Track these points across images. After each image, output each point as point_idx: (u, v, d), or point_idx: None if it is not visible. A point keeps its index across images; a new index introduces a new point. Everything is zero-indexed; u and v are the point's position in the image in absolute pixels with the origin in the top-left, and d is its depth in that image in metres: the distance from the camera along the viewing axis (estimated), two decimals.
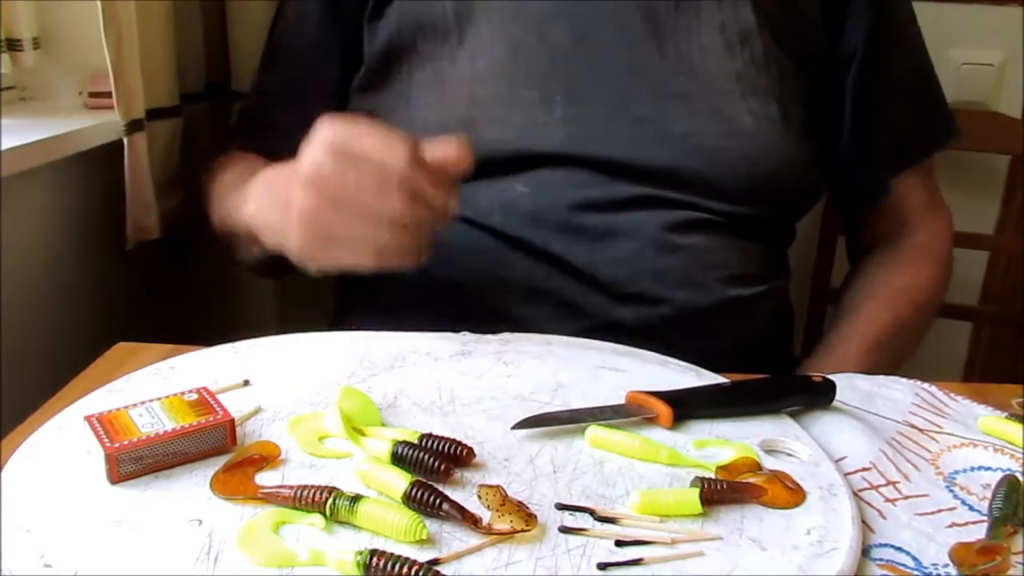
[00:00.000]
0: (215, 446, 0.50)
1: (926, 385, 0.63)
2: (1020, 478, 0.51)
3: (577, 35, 0.83)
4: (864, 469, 0.53)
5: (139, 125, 0.89)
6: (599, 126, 0.81)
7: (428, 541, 0.43)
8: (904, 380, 0.64)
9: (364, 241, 0.59)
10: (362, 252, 0.60)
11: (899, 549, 0.46)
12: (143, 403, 0.51)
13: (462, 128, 0.79)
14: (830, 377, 0.60)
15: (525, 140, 0.81)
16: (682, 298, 0.78)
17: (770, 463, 0.52)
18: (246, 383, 0.59)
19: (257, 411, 0.55)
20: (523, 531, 0.43)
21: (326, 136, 0.58)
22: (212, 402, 0.51)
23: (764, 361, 0.75)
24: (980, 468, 0.53)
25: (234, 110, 1.10)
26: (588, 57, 0.82)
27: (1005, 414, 0.59)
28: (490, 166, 0.80)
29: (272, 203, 0.70)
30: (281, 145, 0.77)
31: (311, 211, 0.59)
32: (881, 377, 0.64)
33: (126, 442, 0.47)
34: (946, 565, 0.44)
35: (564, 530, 0.44)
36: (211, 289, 1.22)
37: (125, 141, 0.88)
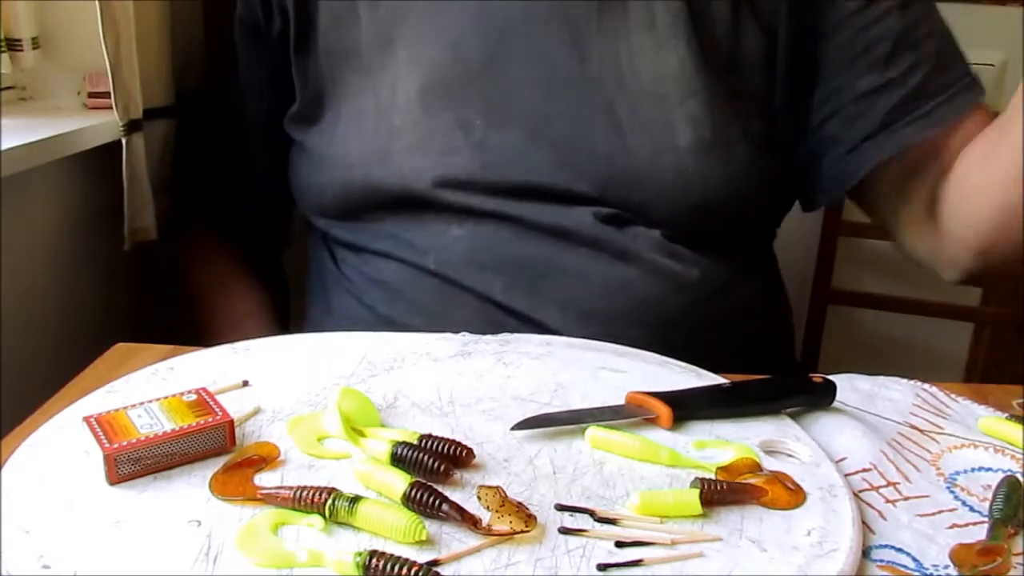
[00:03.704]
0: (214, 447, 0.50)
1: (926, 386, 0.63)
2: (1020, 479, 0.51)
3: (491, 50, 0.77)
4: (864, 470, 0.52)
5: (137, 126, 0.89)
6: (518, 149, 0.75)
7: (427, 542, 0.43)
8: (904, 381, 0.64)
9: None
10: None
11: (899, 550, 0.46)
12: (142, 404, 0.51)
13: (381, 161, 0.77)
14: (830, 378, 0.60)
15: (442, 167, 0.76)
16: (636, 335, 0.70)
17: (770, 464, 0.51)
18: (245, 384, 0.59)
19: (256, 412, 0.55)
20: (523, 532, 0.43)
21: None
22: (211, 403, 0.51)
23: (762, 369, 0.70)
24: (981, 469, 0.53)
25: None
26: (504, 73, 0.77)
27: (1005, 415, 0.59)
28: (411, 197, 0.77)
29: None
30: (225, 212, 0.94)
31: None
32: (881, 378, 0.64)
33: (125, 443, 0.47)
34: (947, 566, 0.44)
35: (564, 531, 0.44)
36: None
37: (123, 142, 0.88)
